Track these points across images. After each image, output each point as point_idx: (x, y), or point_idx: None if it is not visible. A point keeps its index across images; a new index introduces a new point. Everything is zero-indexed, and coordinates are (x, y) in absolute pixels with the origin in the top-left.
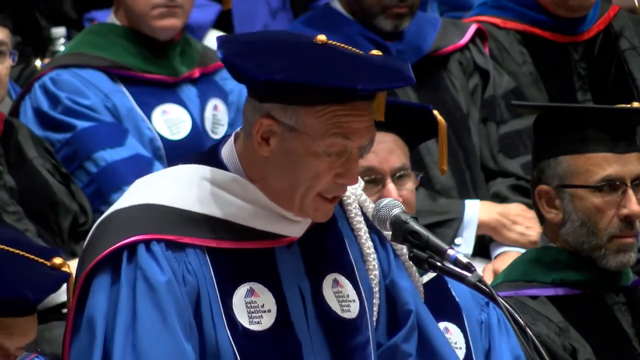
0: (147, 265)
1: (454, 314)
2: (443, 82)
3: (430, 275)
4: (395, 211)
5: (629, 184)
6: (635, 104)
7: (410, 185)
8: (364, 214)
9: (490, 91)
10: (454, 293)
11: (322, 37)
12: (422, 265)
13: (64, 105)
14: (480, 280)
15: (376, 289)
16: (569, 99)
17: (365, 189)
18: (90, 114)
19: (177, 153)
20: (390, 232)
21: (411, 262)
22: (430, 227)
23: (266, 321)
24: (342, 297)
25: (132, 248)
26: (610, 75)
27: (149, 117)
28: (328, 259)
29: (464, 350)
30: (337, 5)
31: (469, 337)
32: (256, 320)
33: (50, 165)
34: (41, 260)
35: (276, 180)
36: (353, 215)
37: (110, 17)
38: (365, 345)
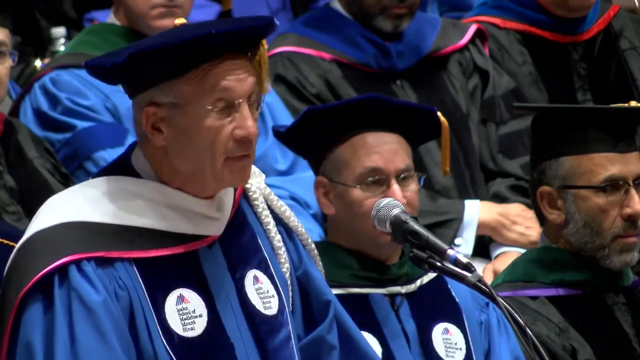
0: (81, 286)
1: (453, 314)
2: (443, 82)
3: (430, 275)
4: (395, 211)
5: (631, 183)
6: (633, 103)
7: (413, 186)
8: (269, 207)
9: (490, 92)
10: (453, 293)
11: (179, 21)
12: (422, 266)
13: (63, 106)
14: (480, 280)
15: (289, 281)
16: (569, 99)
17: (369, 190)
18: (90, 114)
19: None
20: (390, 232)
21: (317, 252)
22: (430, 227)
23: (199, 326)
24: (262, 293)
25: (62, 270)
26: (610, 75)
27: None
28: (246, 255)
29: (464, 351)
30: (337, 6)
31: (469, 338)
32: (189, 326)
33: (50, 165)
34: None
35: (183, 164)
36: (260, 210)
37: (110, 17)
38: (287, 340)
